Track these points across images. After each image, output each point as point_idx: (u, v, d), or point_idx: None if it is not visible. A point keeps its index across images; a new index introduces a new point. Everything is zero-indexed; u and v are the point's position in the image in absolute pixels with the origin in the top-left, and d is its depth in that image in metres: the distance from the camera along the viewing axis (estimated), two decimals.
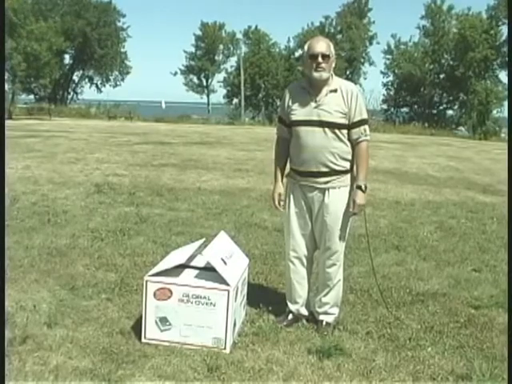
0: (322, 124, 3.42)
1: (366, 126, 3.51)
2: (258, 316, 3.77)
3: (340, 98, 3.42)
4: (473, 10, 43.87)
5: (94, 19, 44.19)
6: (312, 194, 3.54)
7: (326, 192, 3.51)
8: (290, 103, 3.55)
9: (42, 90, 41.35)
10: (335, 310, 3.74)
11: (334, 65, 3.47)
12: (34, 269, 4.55)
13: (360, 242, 5.49)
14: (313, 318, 3.74)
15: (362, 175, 3.49)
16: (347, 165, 3.53)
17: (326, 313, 3.70)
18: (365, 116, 3.48)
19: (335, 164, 3.48)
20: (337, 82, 3.49)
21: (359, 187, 3.47)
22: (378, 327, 3.70)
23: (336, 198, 3.52)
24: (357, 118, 3.43)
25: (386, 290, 4.42)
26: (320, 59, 3.37)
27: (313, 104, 3.45)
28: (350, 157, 3.52)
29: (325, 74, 3.39)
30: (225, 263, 3.38)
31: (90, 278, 4.40)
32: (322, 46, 3.40)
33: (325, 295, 3.69)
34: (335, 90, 3.44)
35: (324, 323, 3.66)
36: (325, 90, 3.44)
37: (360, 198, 3.47)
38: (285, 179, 3.71)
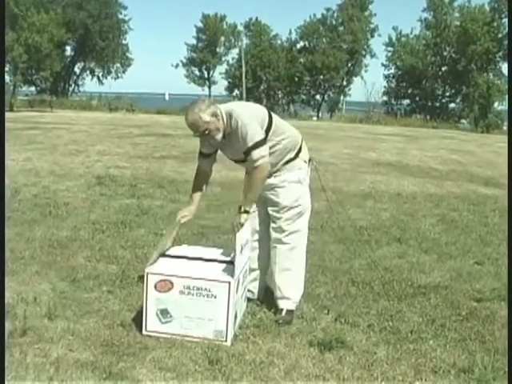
0: (242, 161, 3.52)
1: (255, 152, 3.39)
2: (259, 308, 3.76)
3: (236, 136, 3.44)
4: (475, 2, 43.75)
5: (95, 11, 43.93)
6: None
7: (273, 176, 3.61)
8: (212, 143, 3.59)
9: (44, 82, 41.12)
10: (293, 294, 3.70)
11: (218, 116, 3.41)
12: (34, 261, 4.55)
13: (361, 234, 5.48)
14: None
15: (245, 198, 3.52)
16: (288, 158, 3.61)
17: (283, 297, 3.68)
18: (251, 142, 3.39)
19: (276, 169, 3.59)
20: (228, 121, 3.45)
21: (239, 207, 3.50)
22: (380, 320, 3.70)
23: (283, 176, 3.61)
24: (246, 147, 3.41)
25: (388, 282, 4.42)
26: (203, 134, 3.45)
27: (227, 147, 3.56)
28: (287, 153, 3.60)
29: (218, 136, 3.45)
30: (241, 252, 3.35)
31: (91, 270, 4.40)
32: (192, 129, 3.44)
33: (281, 278, 3.67)
34: (230, 132, 3.46)
35: (284, 311, 3.65)
36: (227, 134, 3.48)
37: (237, 217, 3.50)
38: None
